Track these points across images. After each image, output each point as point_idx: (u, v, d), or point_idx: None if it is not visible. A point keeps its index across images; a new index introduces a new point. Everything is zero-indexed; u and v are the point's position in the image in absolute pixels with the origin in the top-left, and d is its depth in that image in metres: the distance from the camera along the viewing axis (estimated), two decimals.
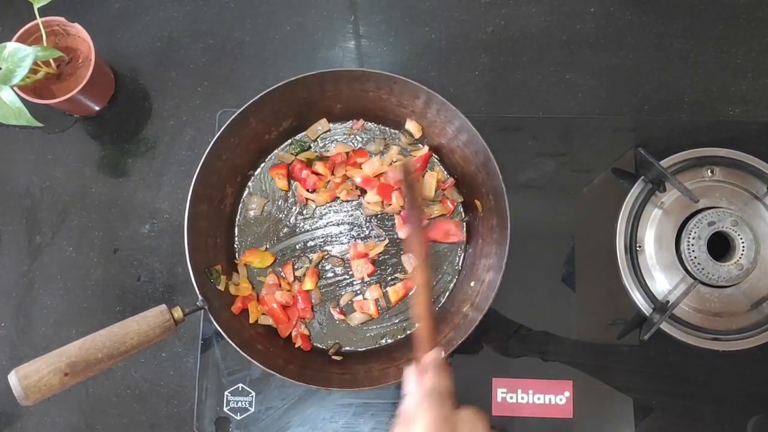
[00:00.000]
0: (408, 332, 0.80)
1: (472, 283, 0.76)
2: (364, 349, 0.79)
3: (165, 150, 0.87)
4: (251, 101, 0.72)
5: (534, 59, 0.88)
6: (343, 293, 0.81)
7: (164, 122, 0.88)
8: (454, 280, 0.80)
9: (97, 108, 0.87)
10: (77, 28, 0.82)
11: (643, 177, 0.83)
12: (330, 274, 0.82)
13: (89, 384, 0.81)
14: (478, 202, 0.78)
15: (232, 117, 0.71)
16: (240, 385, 0.79)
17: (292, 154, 0.84)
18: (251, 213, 0.83)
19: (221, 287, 0.76)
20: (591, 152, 0.84)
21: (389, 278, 0.81)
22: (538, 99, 0.87)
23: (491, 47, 0.89)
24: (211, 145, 0.72)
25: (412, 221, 0.63)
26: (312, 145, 0.84)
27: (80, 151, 0.88)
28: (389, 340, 0.80)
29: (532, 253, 0.81)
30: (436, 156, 0.84)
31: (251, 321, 0.77)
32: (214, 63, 0.89)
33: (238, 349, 0.67)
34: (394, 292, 0.79)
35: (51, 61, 0.81)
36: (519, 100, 0.87)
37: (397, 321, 0.80)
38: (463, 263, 0.81)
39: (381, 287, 0.80)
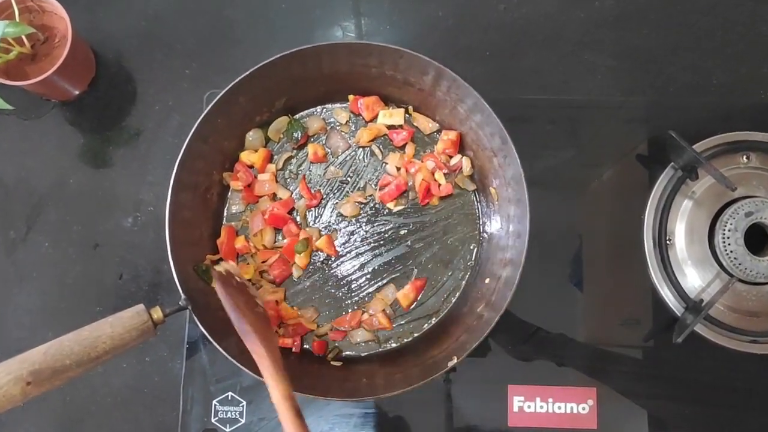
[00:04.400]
0: (416, 335, 0.75)
1: (487, 280, 0.72)
2: (366, 354, 0.75)
3: (150, 137, 0.83)
4: (240, 77, 0.68)
5: (549, 39, 0.85)
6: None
7: (149, 107, 0.84)
8: (467, 276, 0.76)
9: (76, 92, 0.84)
10: (53, 5, 0.78)
11: (672, 164, 0.78)
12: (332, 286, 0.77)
13: (66, 391, 0.78)
14: (493, 191, 0.74)
15: (219, 95, 0.68)
16: (230, 393, 0.75)
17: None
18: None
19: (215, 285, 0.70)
20: (612, 138, 0.81)
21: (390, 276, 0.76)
22: (554, 82, 0.84)
23: (503, 26, 0.85)
24: (195, 126, 0.68)
25: (242, 328, 0.59)
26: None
27: (58, 138, 0.84)
28: (394, 344, 0.75)
29: (549, 248, 0.77)
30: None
31: None
32: (204, 44, 0.86)
33: (226, 354, 0.64)
34: (405, 296, 0.74)
35: (24, 39, 0.77)
36: (533, 83, 0.84)
37: (403, 323, 0.76)
38: (476, 258, 0.76)
39: (386, 297, 0.75)
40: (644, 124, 0.80)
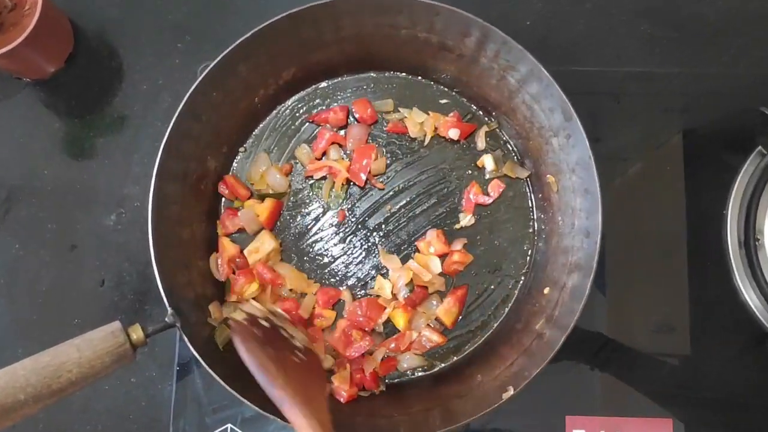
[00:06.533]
0: (455, 358, 0.67)
1: (546, 290, 0.64)
2: (397, 381, 0.67)
3: (136, 122, 0.80)
4: (240, 40, 0.61)
5: (600, 6, 0.80)
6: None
7: (135, 87, 0.81)
8: (519, 284, 0.68)
9: (51, 69, 0.80)
10: None
11: (760, 148, 0.70)
12: None
13: (39, 417, 0.73)
14: (551, 178, 0.66)
15: (214, 63, 0.61)
16: (228, 426, 0.70)
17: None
18: None
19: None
20: (668, 120, 0.75)
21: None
22: (606, 54, 0.79)
23: None
24: (184, 101, 0.61)
25: (273, 394, 0.49)
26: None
27: (30, 123, 0.81)
28: (428, 370, 0.68)
29: (617, 247, 0.71)
30: (488, 117, 0.71)
31: None
32: (197, 13, 0.82)
33: (222, 383, 0.56)
34: (447, 312, 0.66)
35: None
36: (582, 55, 0.79)
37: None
38: (531, 262, 0.68)
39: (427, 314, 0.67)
40: (714, 103, 0.75)
